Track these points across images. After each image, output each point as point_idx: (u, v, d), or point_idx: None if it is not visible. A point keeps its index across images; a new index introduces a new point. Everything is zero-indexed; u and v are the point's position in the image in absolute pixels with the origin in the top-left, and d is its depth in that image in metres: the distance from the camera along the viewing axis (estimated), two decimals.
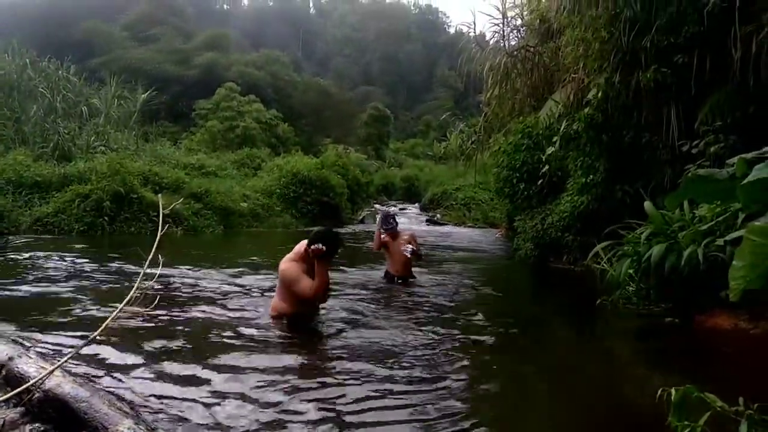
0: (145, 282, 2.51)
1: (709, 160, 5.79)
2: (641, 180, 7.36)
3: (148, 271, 2.50)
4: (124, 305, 2.32)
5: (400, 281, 6.71)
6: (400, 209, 26.50)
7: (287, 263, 4.45)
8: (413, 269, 7.00)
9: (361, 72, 76.92)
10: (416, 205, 28.85)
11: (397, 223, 6.88)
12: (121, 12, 46.52)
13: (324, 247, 4.22)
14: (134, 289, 2.31)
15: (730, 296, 1.65)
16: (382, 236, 6.73)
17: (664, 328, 4.88)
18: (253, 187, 18.18)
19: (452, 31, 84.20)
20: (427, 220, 22.28)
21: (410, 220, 21.99)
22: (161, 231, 2.45)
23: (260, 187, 18.16)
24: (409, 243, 6.62)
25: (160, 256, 2.63)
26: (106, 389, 2.53)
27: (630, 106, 7.41)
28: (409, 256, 6.53)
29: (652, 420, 2.53)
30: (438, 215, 23.45)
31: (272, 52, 42.83)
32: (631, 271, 5.36)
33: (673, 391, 2.07)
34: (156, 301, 2.70)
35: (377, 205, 26.94)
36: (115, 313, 2.29)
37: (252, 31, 68.80)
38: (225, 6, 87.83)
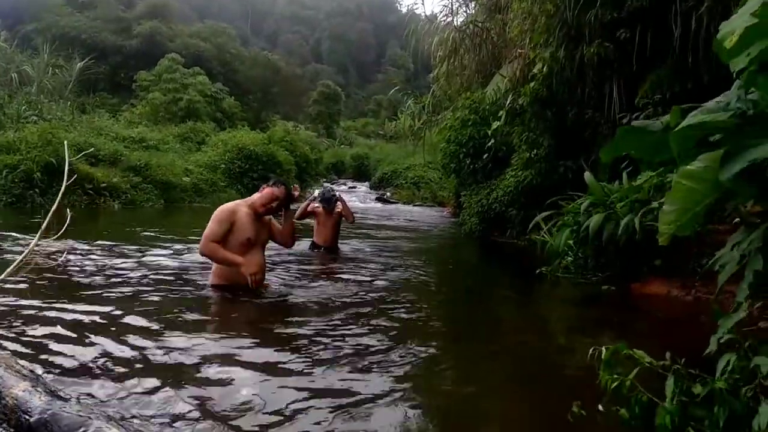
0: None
1: None
2: (583, 155, 7.44)
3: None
4: (36, 241, 2.12)
5: (322, 249, 6.93)
6: (350, 187, 26.42)
7: (227, 204, 4.24)
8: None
9: (311, 50, 75.70)
10: (366, 183, 28.83)
11: (336, 203, 6.97)
12: None
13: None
14: (46, 219, 2.11)
15: (660, 240, 1.61)
16: (314, 206, 6.91)
17: (601, 296, 4.95)
18: (197, 161, 17.72)
19: (404, 10, 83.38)
20: (377, 198, 22.29)
21: (360, 198, 21.94)
22: (66, 182, 2.25)
23: (204, 162, 17.73)
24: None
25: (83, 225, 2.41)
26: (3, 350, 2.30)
27: (574, 81, 7.44)
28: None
29: (586, 379, 2.52)
30: (388, 194, 23.54)
31: (218, 25, 41.28)
32: (570, 241, 5.41)
33: (603, 349, 2.06)
34: (64, 228, 2.44)
35: (327, 183, 26.75)
36: (23, 256, 2.09)
37: (197, 3, 66.33)
38: None
